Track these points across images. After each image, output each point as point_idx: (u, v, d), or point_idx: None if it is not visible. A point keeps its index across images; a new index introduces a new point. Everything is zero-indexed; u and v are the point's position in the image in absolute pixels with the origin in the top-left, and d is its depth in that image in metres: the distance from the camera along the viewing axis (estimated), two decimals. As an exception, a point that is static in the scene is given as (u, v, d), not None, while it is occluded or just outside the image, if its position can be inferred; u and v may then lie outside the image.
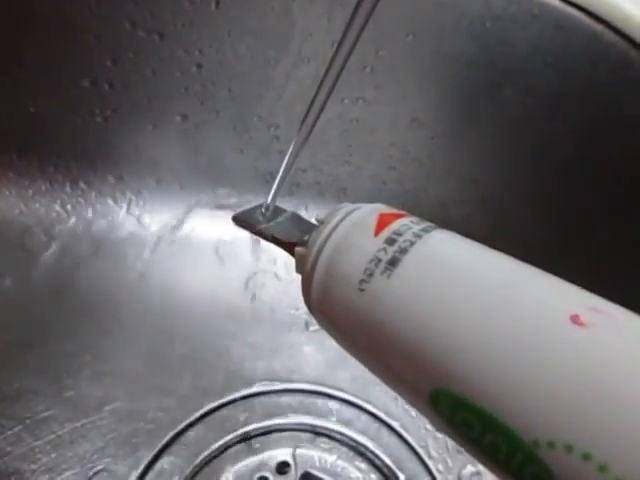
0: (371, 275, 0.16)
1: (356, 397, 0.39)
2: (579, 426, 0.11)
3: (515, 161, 0.42)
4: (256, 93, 0.39)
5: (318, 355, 0.41)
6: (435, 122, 0.41)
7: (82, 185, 0.40)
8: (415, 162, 0.43)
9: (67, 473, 0.33)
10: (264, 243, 0.45)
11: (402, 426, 0.38)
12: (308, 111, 0.21)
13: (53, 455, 0.33)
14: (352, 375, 0.40)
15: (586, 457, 0.11)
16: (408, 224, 0.17)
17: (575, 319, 0.12)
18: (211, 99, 0.38)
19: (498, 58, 0.37)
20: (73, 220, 0.41)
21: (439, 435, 0.38)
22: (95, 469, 0.33)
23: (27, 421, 0.34)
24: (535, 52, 0.36)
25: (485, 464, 0.13)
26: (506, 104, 0.39)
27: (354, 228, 0.17)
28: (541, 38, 0.35)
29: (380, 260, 0.16)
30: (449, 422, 0.14)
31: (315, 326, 0.42)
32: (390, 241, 0.16)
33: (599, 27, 0.34)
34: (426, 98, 0.40)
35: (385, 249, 0.16)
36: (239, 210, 0.24)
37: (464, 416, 0.13)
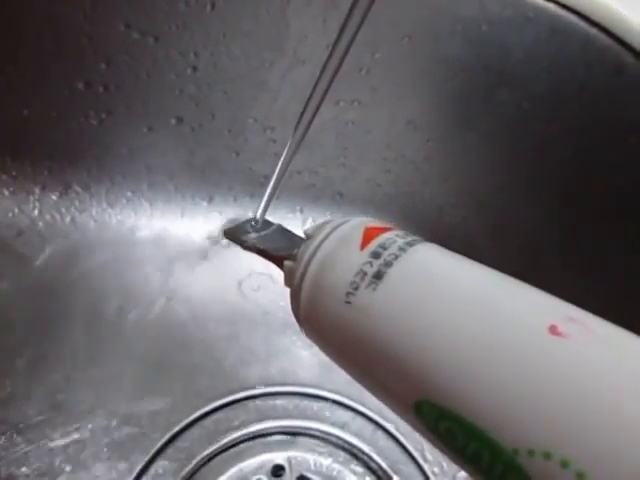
0: (357, 288, 0.16)
1: (351, 400, 0.39)
2: (557, 435, 0.11)
3: (511, 164, 0.42)
4: (251, 95, 0.39)
5: (313, 358, 0.41)
6: (431, 125, 0.41)
7: (76, 188, 0.40)
8: (411, 165, 0.43)
9: (60, 478, 0.33)
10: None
11: (397, 429, 0.38)
12: (301, 117, 0.21)
13: (46, 460, 0.33)
14: (347, 378, 0.39)
15: (564, 464, 0.11)
16: (393, 238, 0.17)
17: (553, 330, 0.12)
18: (206, 101, 0.38)
19: (493, 61, 0.37)
20: (67, 223, 0.40)
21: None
22: (89, 473, 0.33)
23: (20, 425, 0.34)
24: (530, 55, 0.36)
25: (469, 472, 0.14)
26: (501, 107, 0.39)
27: (341, 242, 0.18)
28: (536, 42, 0.35)
29: (366, 273, 0.16)
30: (434, 431, 0.14)
31: (310, 329, 0.42)
32: (375, 255, 0.16)
33: (594, 31, 0.34)
34: (422, 101, 0.40)
35: (371, 262, 0.16)
36: (230, 224, 0.24)
37: (448, 426, 0.13)
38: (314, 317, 0.18)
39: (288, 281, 0.20)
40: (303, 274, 0.18)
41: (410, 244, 0.17)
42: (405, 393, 0.15)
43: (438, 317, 0.14)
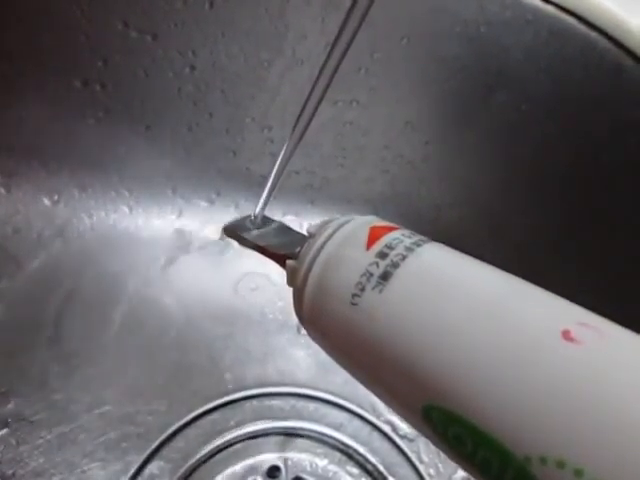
0: (363, 289, 0.16)
1: (348, 401, 0.39)
2: (572, 442, 0.11)
3: (508, 165, 0.42)
4: (249, 95, 0.38)
5: (310, 359, 0.41)
6: (429, 125, 0.41)
7: (73, 187, 0.40)
8: (408, 165, 0.43)
9: (55, 478, 0.33)
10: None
11: (394, 430, 0.38)
12: (300, 116, 0.20)
13: (41, 460, 0.33)
14: (344, 379, 0.39)
15: (578, 474, 0.11)
16: (400, 237, 0.17)
17: (566, 335, 0.12)
18: (204, 100, 0.38)
19: (492, 62, 0.37)
20: (63, 223, 0.40)
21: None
22: (84, 474, 0.33)
23: (14, 425, 0.33)
24: (529, 57, 0.36)
25: (478, 479, 0.13)
26: (500, 108, 0.39)
27: (345, 242, 0.17)
28: (535, 43, 0.35)
29: (372, 274, 0.16)
30: (442, 437, 0.14)
31: (307, 329, 0.42)
32: (382, 255, 0.16)
33: (593, 34, 0.34)
34: (420, 101, 0.40)
35: (377, 263, 0.16)
36: (229, 221, 0.24)
37: (456, 431, 0.13)
38: (318, 318, 0.17)
39: (290, 281, 0.19)
40: (306, 274, 0.18)
41: (417, 244, 0.16)
42: (412, 397, 0.14)
43: (447, 320, 0.14)
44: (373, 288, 0.15)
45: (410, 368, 0.14)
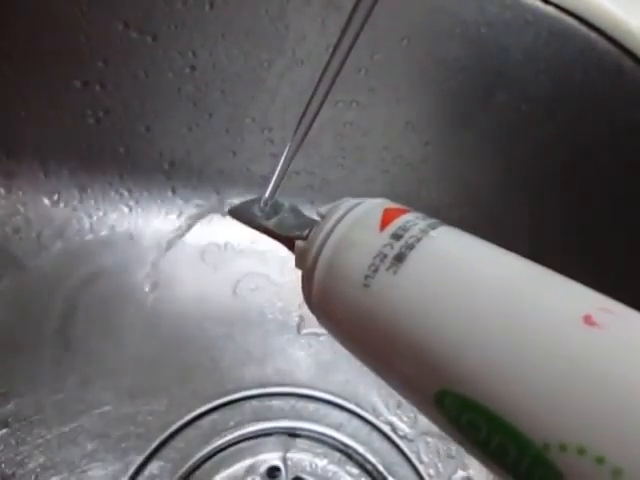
0: (376, 271, 0.15)
1: (347, 401, 0.39)
2: (593, 429, 0.11)
3: (509, 165, 0.42)
4: (249, 95, 0.38)
5: (309, 359, 0.41)
6: (428, 126, 0.41)
7: (73, 187, 0.40)
8: (408, 166, 0.43)
9: (55, 478, 0.33)
10: (255, 246, 0.45)
11: (393, 430, 0.38)
12: (305, 111, 0.20)
13: (41, 460, 0.33)
14: (344, 379, 0.40)
15: (600, 461, 0.10)
16: (414, 220, 0.16)
17: (587, 319, 0.12)
18: (204, 101, 0.38)
19: (492, 63, 0.37)
20: (63, 223, 0.40)
21: (430, 440, 0.38)
22: (84, 474, 0.33)
23: (15, 425, 0.33)
24: (529, 58, 0.36)
25: (491, 468, 0.13)
26: (499, 109, 0.39)
27: (358, 223, 0.17)
28: (535, 44, 0.35)
29: (386, 256, 0.15)
30: (455, 424, 0.13)
31: (307, 329, 0.42)
32: (396, 236, 0.16)
33: (592, 34, 0.34)
34: (420, 102, 0.40)
35: (391, 244, 0.15)
36: (235, 204, 0.23)
37: (471, 417, 0.13)
38: (328, 301, 0.17)
39: (299, 263, 0.19)
40: (317, 255, 0.17)
41: (432, 226, 0.16)
42: (426, 382, 0.14)
43: (464, 303, 0.13)
44: (387, 269, 0.15)
45: (424, 351, 0.14)
